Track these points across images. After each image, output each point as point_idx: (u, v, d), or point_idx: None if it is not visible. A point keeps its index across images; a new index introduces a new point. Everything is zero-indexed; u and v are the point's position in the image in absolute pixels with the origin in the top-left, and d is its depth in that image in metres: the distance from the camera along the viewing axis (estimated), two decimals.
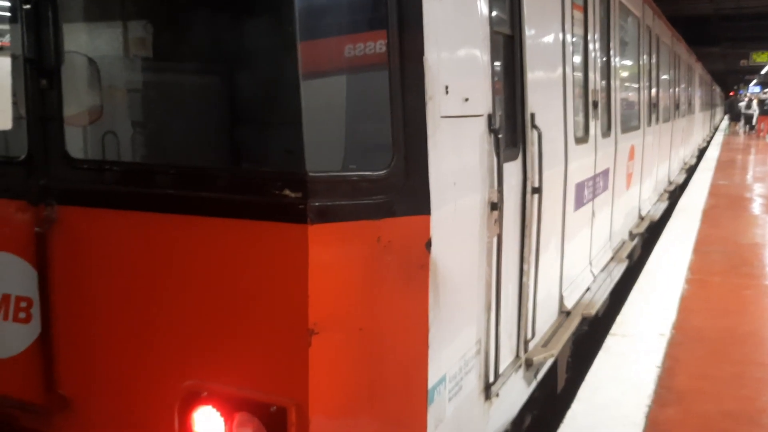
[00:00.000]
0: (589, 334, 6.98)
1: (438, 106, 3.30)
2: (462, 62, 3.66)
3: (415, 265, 3.24)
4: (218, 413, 3.15)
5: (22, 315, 3.64)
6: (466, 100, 3.62)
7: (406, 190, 3.18)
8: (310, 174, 2.94)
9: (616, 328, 6.71)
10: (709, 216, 12.87)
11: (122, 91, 4.61)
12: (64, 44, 3.54)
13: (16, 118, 4.81)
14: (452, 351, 3.66)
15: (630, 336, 6.53)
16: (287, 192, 2.96)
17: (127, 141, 4.41)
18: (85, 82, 4.07)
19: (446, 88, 3.37)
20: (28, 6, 3.39)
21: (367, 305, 3.16)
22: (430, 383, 3.38)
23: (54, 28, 3.42)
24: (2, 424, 3.75)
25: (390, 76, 3.12)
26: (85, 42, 4.37)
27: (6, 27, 6.35)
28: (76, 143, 4.03)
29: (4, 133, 4.80)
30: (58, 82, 3.46)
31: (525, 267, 4.72)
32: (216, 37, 4.08)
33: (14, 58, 4.78)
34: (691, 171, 20.70)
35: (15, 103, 4.80)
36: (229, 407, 3.12)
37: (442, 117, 3.35)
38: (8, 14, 5.19)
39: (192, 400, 3.20)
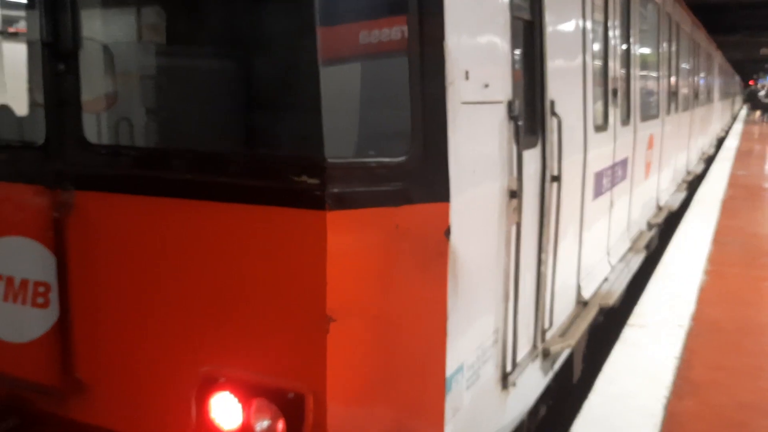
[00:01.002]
0: (604, 325, 6.93)
1: (458, 91, 3.25)
2: (482, 47, 3.61)
3: (434, 252, 3.21)
4: (235, 399, 3.15)
5: (40, 300, 3.65)
6: (486, 86, 3.57)
7: (425, 177, 3.15)
8: (329, 160, 2.92)
9: (633, 319, 6.66)
10: (727, 207, 12.73)
11: (137, 77, 4.60)
12: (82, 29, 3.53)
13: (32, 105, 4.83)
14: (470, 340, 3.64)
15: (647, 327, 6.48)
16: (305, 178, 2.94)
17: (143, 127, 4.41)
18: (101, 67, 4.06)
19: (466, 73, 3.33)
20: None
21: (386, 293, 3.14)
22: (448, 372, 3.36)
23: (72, 12, 3.41)
24: (19, 407, 3.78)
25: (410, 61, 3.08)
26: (102, 27, 4.36)
27: (21, 13, 6.38)
28: (93, 129, 4.03)
29: (21, 118, 4.81)
30: (76, 67, 3.45)
31: (543, 256, 4.68)
32: (233, 22, 4.05)
33: (30, 44, 4.79)
34: (709, 161, 20.47)
35: (30, 90, 4.82)
36: (246, 393, 3.12)
37: (462, 103, 3.31)
38: (26, 1, 5.19)
39: (209, 386, 3.20)
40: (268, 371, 3.10)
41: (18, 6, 6.35)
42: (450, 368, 3.38)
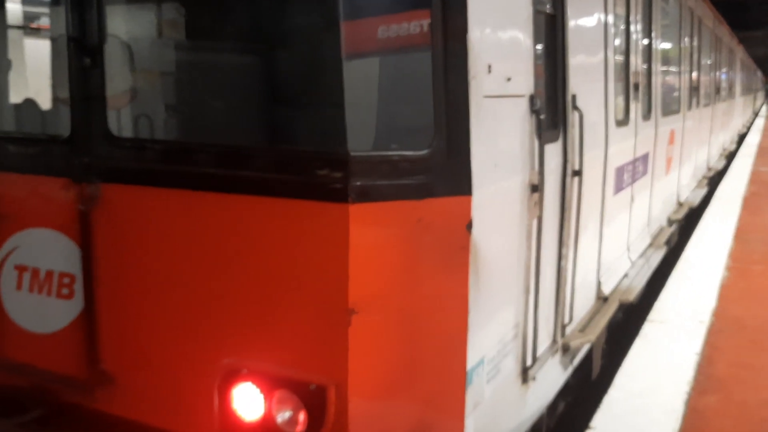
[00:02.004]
0: (623, 321, 6.89)
1: (481, 85, 3.25)
2: (505, 41, 3.60)
3: (456, 246, 3.21)
4: (258, 390, 3.18)
5: (65, 291, 3.70)
6: (509, 79, 3.56)
7: (448, 171, 3.15)
8: (352, 153, 2.93)
9: (654, 315, 6.61)
10: (749, 203, 12.57)
11: (164, 73, 4.64)
12: (107, 24, 3.56)
13: (55, 99, 4.89)
14: (491, 334, 3.64)
15: (668, 322, 6.42)
16: (329, 171, 2.95)
17: (167, 121, 4.45)
18: (125, 63, 4.10)
19: (489, 67, 3.32)
20: None
21: (407, 286, 3.15)
22: (469, 365, 3.36)
23: (97, 8, 3.44)
24: (45, 398, 3.83)
25: (433, 54, 3.08)
26: (126, 23, 4.40)
27: (44, 10, 6.46)
28: (117, 122, 4.07)
29: (45, 112, 4.87)
30: (101, 61, 3.49)
31: (564, 251, 4.66)
32: (257, 18, 4.08)
33: (53, 40, 4.85)
34: (730, 157, 20.24)
35: (54, 85, 4.88)
36: (268, 385, 3.15)
37: (485, 97, 3.31)
38: None
39: (232, 377, 3.23)
40: (290, 363, 3.13)
41: (41, 3, 6.43)
42: (471, 361, 3.38)
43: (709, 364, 5.54)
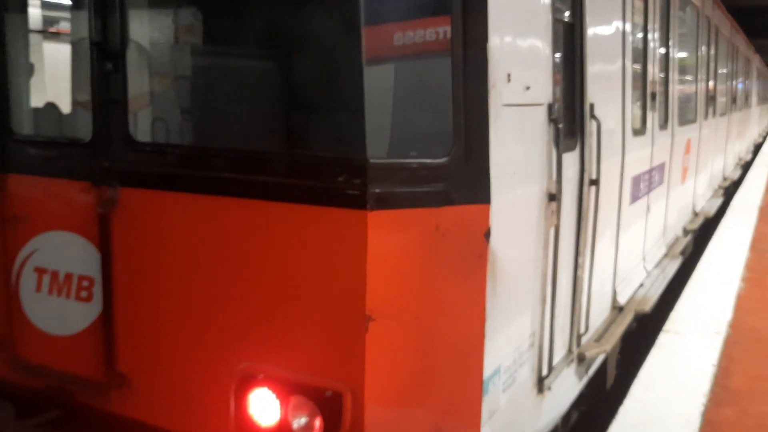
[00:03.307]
0: (637, 330, 6.84)
1: (500, 93, 3.25)
2: (524, 50, 3.60)
3: (474, 254, 3.21)
4: (274, 395, 3.19)
5: (83, 294, 3.73)
6: (528, 88, 3.56)
7: (466, 179, 3.15)
8: (371, 160, 2.94)
9: (669, 325, 6.56)
10: (766, 213, 12.48)
11: (179, 77, 4.67)
12: (129, 29, 3.60)
13: (75, 103, 4.93)
14: (507, 342, 3.63)
15: (684, 333, 6.37)
16: (347, 178, 2.96)
17: (186, 126, 4.47)
18: (145, 67, 4.14)
19: (508, 75, 3.32)
20: None
21: (424, 293, 3.14)
22: (486, 374, 3.35)
23: (120, 13, 3.48)
24: (62, 399, 3.85)
25: (453, 62, 3.09)
26: (147, 28, 4.43)
27: (63, 15, 6.52)
28: (138, 126, 4.10)
29: (65, 116, 4.91)
30: (123, 66, 3.52)
31: (580, 260, 4.64)
32: (277, 24, 4.10)
33: (74, 44, 4.89)
34: (746, 167, 20.09)
35: (74, 89, 4.92)
36: (284, 390, 3.15)
37: (504, 105, 3.30)
38: (71, 1, 5.31)
39: (248, 382, 3.24)
40: (306, 369, 3.13)
41: (61, 7, 6.50)
42: (487, 370, 3.37)
43: (725, 376, 5.49)
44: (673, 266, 8.03)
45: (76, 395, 3.78)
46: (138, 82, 3.99)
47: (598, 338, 5.25)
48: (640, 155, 6.36)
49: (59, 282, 3.80)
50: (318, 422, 3.10)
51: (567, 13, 4.39)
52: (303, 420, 3.16)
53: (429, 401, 3.23)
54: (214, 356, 3.36)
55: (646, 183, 6.72)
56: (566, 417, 4.91)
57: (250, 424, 3.25)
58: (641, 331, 6.93)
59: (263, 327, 3.23)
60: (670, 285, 8.04)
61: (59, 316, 3.81)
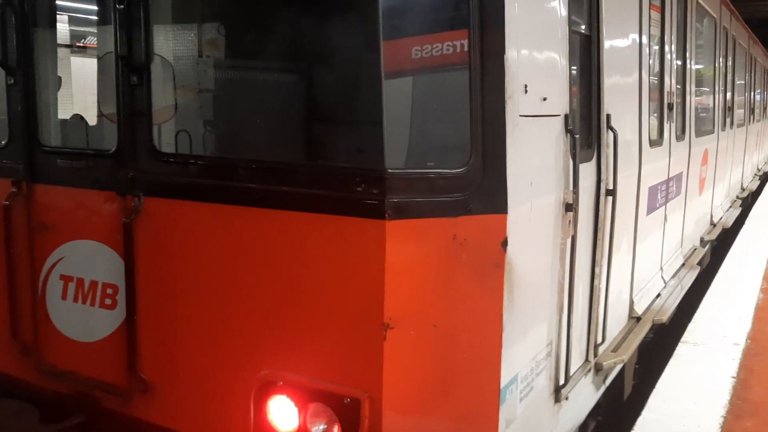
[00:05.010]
0: (654, 341, 6.82)
1: (517, 105, 3.29)
2: (541, 61, 3.64)
3: (491, 263, 3.24)
4: (292, 402, 3.23)
5: (108, 301, 3.80)
6: (544, 99, 3.60)
7: (484, 189, 3.19)
8: (390, 170, 2.99)
9: (687, 336, 6.53)
10: None
11: (201, 90, 4.77)
12: (153, 44, 3.69)
13: (99, 116, 5.05)
14: (524, 351, 3.65)
15: (702, 345, 6.34)
16: (367, 188, 3.01)
17: (208, 138, 4.56)
18: (169, 80, 4.23)
19: (525, 87, 3.36)
20: (121, 6, 3.54)
21: (442, 302, 3.18)
22: (503, 382, 3.38)
23: (144, 28, 3.57)
24: (86, 404, 3.92)
25: (470, 74, 3.14)
26: (170, 43, 4.54)
27: (88, 29, 6.67)
28: (161, 137, 4.19)
29: (90, 127, 5.03)
30: (148, 79, 3.60)
31: (597, 270, 4.66)
32: (298, 37, 4.18)
33: (99, 58, 5.01)
34: (765, 177, 19.93)
35: (100, 101, 5.04)
36: (303, 397, 3.20)
37: (521, 116, 3.35)
38: (97, 17, 5.45)
39: (267, 389, 3.29)
40: (325, 376, 3.17)
41: (88, 23, 6.66)
42: (504, 379, 3.40)
43: (744, 388, 5.45)
44: (690, 277, 7.99)
45: (100, 400, 3.85)
46: (162, 95, 4.08)
47: (616, 348, 5.25)
48: (657, 166, 6.36)
49: (84, 289, 3.88)
50: (336, 429, 3.14)
51: (583, 26, 4.43)
52: (321, 426, 3.20)
53: (446, 408, 3.26)
54: (234, 363, 3.42)
55: (663, 193, 6.71)
56: (583, 426, 4.91)
57: (269, 430, 3.30)
58: (658, 342, 6.90)
59: (283, 335, 3.28)
60: (688, 295, 8.00)
61: (84, 322, 3.89)
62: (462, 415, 3.33)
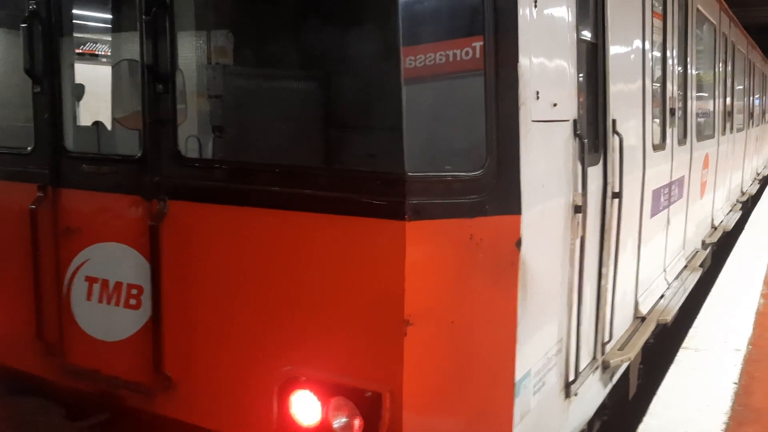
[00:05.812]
0: (655, 343, 6.90)
1: (529, 110, 3.42)
2: (551, 69, 3.78)
3: (506, 262, 3.37)
4: (315, 397, 3.34)
5: (132, 302, 3.92)
6: (555, 105, 3.74)
7: (499, 191, 3.32)
8: (409, 174, 3.12)
9: (688, 342, 6.56)
10: None
11: (233, 98, 4.89)
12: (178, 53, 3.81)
13: (113, 121, 5.17)
14: (537, 347, 3.77)
15: (703, 350, 6.36)
16: (387, 190, 3.14)
17: (230, 143, 4.68)
18: (192, 88, 4.35)
19: (537, 93, 3.50)
20: (147, 17, 3.67)
21: (459, 300, 3.30)
22: (517, 377, 3.49)
23: (170, 38, 3.70)
24: (110, 402, 4.03)
25: (485, 81, 3.27)
26: (192, 53, 4.67)
27: (105, 38, 6.81)
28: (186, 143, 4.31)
29: (110, 133, 5.15)
30: (173, 87, 3.73)
31: (604, 270, 4.78)
32: (320, 45, 4.31)
33: (114, 66, 5.14)
34: (764, 182, 20.07)
35: (112, 108, 5.17)
36: (325, 392, 3.31)
37: (533, 121, 3.48)
38: (111, 25, 5.59)
39: (290, 385, 3.40)
40: (346, 371, 3.29)
41: (95, 30, 6.79)
42: (519, 373, 3.51)
43: (746, 394, 5.45)
44: (692, 278, 8.10)
45: (125, 398, 3.95)
46: (187, 103, 4.20)
47: (622, 347, 5.36)
48: (660, 170, 6.49)
49: (109, 290, 3.99)
50: (358, 422, 3.25)
51: (590, 34, 4.57)
52: (343, 420, 3.30)
53: (463, 402, 3.38)
54: (257, 360, 3.53)
55: (666, 196, 6.84)
56: (589, 425, 5.01)
57: (292, 424, 3.40)
58: (660, 343, 6.98)
59: (306, 332, 3.39)
60: (690, 297, 8.09)
61: (108, 322, 4.00)
62: (478, 408, 3.44)
